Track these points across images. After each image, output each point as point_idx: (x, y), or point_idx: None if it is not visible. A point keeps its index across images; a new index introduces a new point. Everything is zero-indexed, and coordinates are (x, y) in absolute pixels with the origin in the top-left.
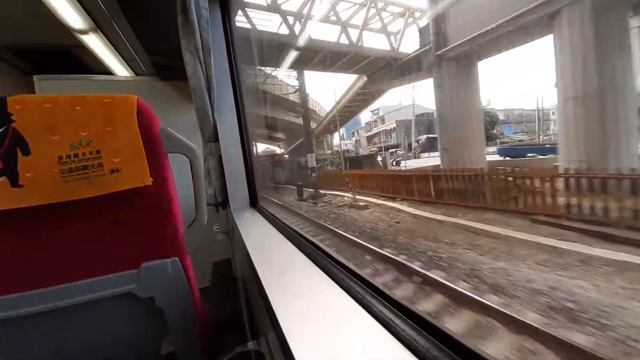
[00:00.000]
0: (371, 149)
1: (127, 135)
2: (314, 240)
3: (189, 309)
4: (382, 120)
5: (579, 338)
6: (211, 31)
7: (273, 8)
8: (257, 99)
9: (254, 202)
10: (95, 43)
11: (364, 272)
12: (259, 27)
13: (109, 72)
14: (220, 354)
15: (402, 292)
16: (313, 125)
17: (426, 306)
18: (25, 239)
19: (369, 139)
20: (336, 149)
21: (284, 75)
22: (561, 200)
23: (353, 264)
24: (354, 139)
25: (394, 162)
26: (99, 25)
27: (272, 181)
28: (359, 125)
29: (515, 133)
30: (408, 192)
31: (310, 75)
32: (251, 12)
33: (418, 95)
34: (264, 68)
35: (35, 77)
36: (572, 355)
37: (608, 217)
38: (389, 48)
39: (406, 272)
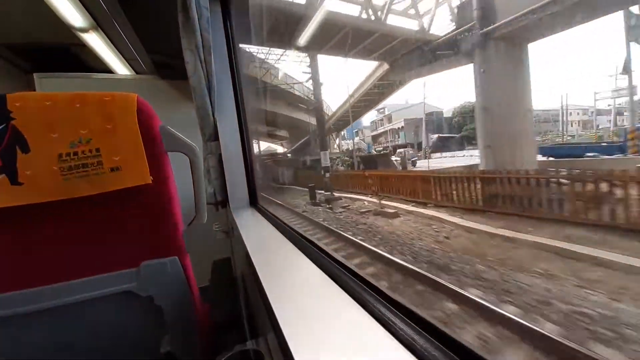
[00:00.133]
0: (376, 149)
1: (127, 133)
2: (314, 240)
3: (188, 308)
4: (389, 119)
5: None
6: (212, 30)
7: None
8: (257, 92)
9: (253, 202)
10: (95, 41)
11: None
12: None
13: (109, 70)
14: (219, 353)
15: None
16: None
17: None
18: (25, 237)
19: (374, 138)
20: (346, 147)
21: (292, 61)
22: None
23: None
24: (357, 138)
25: (410, 162)
26: (99, 23)
27: (275, 182)
28: (360, 126)
29: None
30: (443, 197)
31: (324, 62)
32: None
33: (427, 94)
34: (268, 52)
35: (35, 75)
36: None
37: None
38: (417, 28)
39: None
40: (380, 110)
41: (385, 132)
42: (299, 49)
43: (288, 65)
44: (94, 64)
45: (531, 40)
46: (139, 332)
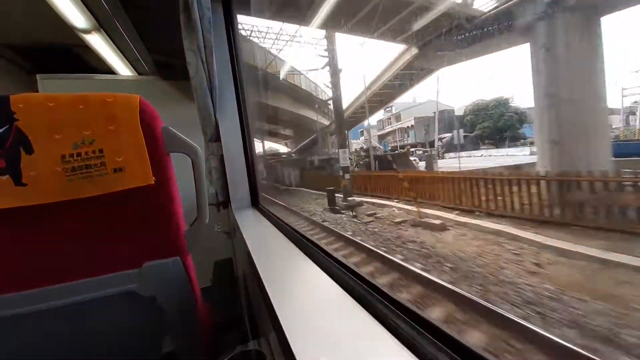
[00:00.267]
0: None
1: (129, 134)
2: (315, 239)
3: (190, 308)
4: (397, 117)
5: None
6: (213, 31)
7: None
8: (259, 86)
9: (255, 202)
10: (97, 42)
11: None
12: None
13: (111, 71)
14: (221, 354)
15: None
16: (323, 121)
17: None
18: (28, 238)
19: (382, 137)
20: (360, 145)
21: (305, 42)
22: None
23: None
24: (362, 138)
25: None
26: (101, 24)
27: (280, 183)
28: (363, 125)
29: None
30: (498, 204)
31: (342, 45)
32: None
33: (434, 92)
34: (278, 33)
35: (38, 76)
36: None
37: None
38: (459, 0)
39: None
40: (387, 109)
41: (393, 131)
42: (316, 24)
43: (298, 52)
44: (96, 65)
45: (606, 13)
46: (141, 332)
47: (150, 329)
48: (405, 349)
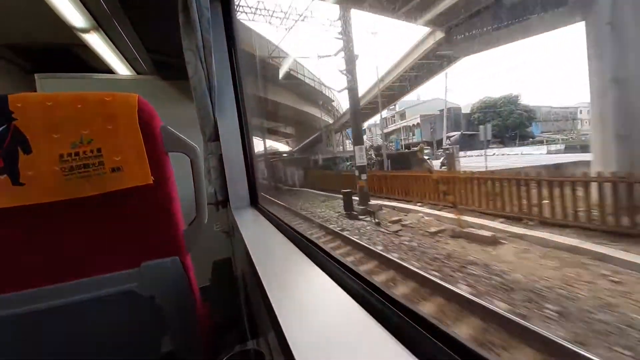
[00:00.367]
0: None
1: (128, 133)
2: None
3: (189, 307)
4: (402, 115)
5: None
6: (212, 31)
7: None
8: (257, 76)
9: (254, 201)
10: (96, 42)
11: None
12: None
13: (110, 70)
14: (220, 353)
15: None
16: (327, 119)
17: None
18: (26, 238)
19: (386, 136)
20: (369, 143)
21: (318, 23)
22: None
23: None
24: (365, 136)
25: (440, 163)
26: (100, 24)
27: (282, 183)
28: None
29: (542, 132)
30: (556, 212)
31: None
32: None
33: (439, 90)
34: (285, 17)
35: (36, 76)
36: None
37: None
38: None
39: None
40: (391, 107)
41: (397, 130)
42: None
43: (306, 36)
44: (95, 64)
45: None
46: (140, 332)
47: (149, 328)
48: (405, 348)
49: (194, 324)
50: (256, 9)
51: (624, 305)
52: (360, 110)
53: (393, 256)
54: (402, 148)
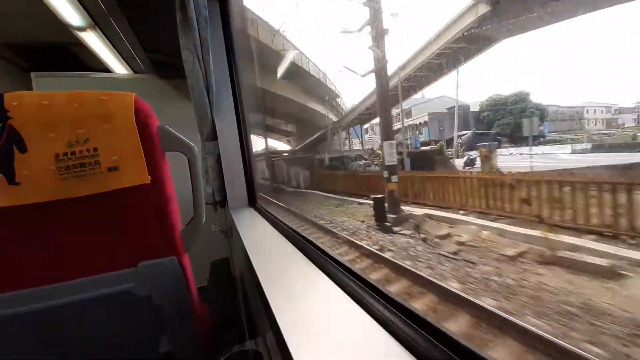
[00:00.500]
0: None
1: (125, 133)
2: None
3: (187, 308)
4: (408, 113)
5: None
6: (210, 29)
7: None
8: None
9: (252, 201)
10: (93, 40)
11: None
12: None
13: (107, 69)
14: (218, 353)
15: None
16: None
17: None
18: (22, 238)
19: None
20: (369, 145)
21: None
22: None
23: None
24: (367, 136)
25: (464, 163)
26: (97, 22)
27: (285, 184)
28: (358, 131)
29: (550, 132)
30: None
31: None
32: None
33: (447, 87)
34: None
35: (32, 74)
36: None
37: None
38: None
39: None
40: (395, 106)
41: (403, 129)
42: None
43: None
44: (92, 63)
45: None
46: (138, 332)
47: (147, 328)
48: (404, 349)
49: (192, 324)
50: None
51: None
52: (362, 112)
53: (489, 304)
54: (421, 146)
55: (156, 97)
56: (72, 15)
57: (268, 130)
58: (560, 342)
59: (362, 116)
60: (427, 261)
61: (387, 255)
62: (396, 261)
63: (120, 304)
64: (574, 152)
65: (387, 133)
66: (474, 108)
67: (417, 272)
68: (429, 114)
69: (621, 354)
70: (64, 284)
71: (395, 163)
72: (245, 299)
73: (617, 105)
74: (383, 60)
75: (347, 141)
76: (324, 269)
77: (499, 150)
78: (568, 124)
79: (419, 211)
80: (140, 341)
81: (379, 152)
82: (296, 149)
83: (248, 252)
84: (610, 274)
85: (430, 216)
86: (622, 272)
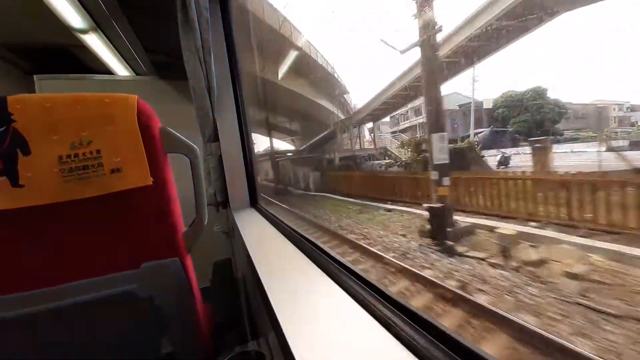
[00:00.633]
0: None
1: (127, 135)
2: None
3: (189, 308)
4: (417, 111)
5: None
6: (211, 31)
7: None
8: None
9: (254, 202)
10: (95, 42)
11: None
12: None
13: (109, 71)
14: (220, 354)
15: None
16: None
17: None
18: (25, 239)
19: (396, 134)
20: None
21: None
22: None
23: None
24: (376, 134)
25: (497, 163)
26: (99, 24)
27: (292, 186)
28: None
29: (564, 129)
30: None
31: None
32: None
33: (459, 84)
34: None
35: (35, 77)
36: None
37: None
38: None
39: None
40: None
41: (412, 127)
42: None
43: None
44: (93, 65)
45: None
46: (140, 333)
47: (149, 329)
48: (405, 348)
49: (194, 325)
50: None
51: None
52: (377, 108)
53: None
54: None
55: (158, 98)
56: (73, 17)
57: (272, 129)
58: None
59: (376, 112)
60: (566, 317)
61: (472, 298)
62: (526, 325)
63: (123, 305)
64: (609, 149)
65: (437, 122)
66: (487, 105)
67: (573, 348)
68: None
69: None
70: (66, 285)
71: (447, 161)
72: (248, 300)
73: (629, 103)
74: (430, 31)
75: (357, 140)
76: (325, 270)
77: (516, 149)
78: (585, 121)
79: (472, 222)
80: (142, 342)
81: (393, 151)
82: (302, 148)
83: (250, 252)
84: None
85: (491, 229)
86: None
